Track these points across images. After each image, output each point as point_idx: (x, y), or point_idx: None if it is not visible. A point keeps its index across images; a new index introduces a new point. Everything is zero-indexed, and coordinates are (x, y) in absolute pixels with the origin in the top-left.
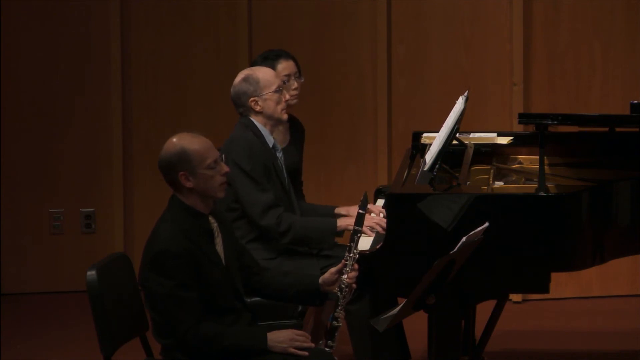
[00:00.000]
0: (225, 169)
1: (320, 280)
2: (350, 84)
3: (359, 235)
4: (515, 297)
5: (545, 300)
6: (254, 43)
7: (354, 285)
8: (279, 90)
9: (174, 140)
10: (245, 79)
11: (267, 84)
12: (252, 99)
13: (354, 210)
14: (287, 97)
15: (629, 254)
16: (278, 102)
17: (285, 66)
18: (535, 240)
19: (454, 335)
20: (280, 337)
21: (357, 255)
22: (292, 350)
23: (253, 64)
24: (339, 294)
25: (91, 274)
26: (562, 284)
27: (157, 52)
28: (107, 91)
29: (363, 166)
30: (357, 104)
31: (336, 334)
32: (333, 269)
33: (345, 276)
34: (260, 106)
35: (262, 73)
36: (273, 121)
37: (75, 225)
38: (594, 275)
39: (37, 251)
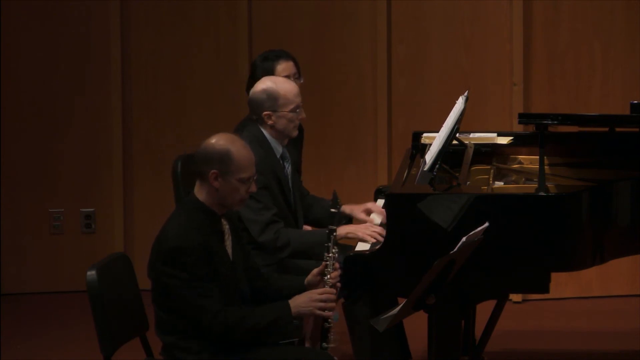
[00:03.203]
0: (254, 189)
1: (305, 282)
2: (350, 84)
3: (334, 234)
4: (515, 297)
5: (545, 300)
6: (254, 43)
7: (339, 285)
8: (295, 111)
9: (223, 140)
10: (266, 91)
11: (285, 102)
12: (266, 112)
13: (358, 209)
14: (303, 115)
15: (629, 254)
16: (291, 121)
17: (284, 67)
18: (535, 240)
19: (454, 335)
20: (301, 302)
21: (337, 255)
22: (318, 312)
23: (253, 64)
24: None
25: (91, 274)
26: (562, 284)
27: (157, 52)
28: (107, 91)
29: (363, 166)
30: (357, 104)
31: (329, 335)
32: (315, 271)
33: (327, 277)
34: (272, 121)
35: (284, 90)
36: (282, 136)
37: (75, 225)
38: (594, 275)
39: (37, 251)
